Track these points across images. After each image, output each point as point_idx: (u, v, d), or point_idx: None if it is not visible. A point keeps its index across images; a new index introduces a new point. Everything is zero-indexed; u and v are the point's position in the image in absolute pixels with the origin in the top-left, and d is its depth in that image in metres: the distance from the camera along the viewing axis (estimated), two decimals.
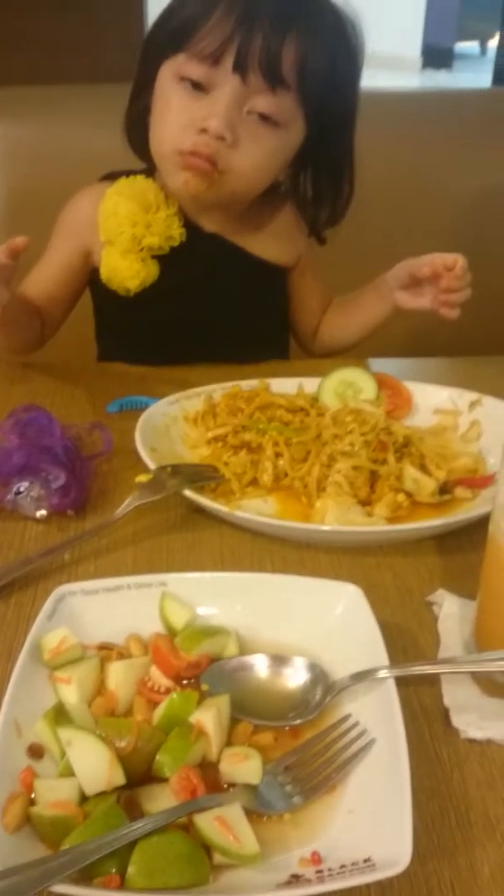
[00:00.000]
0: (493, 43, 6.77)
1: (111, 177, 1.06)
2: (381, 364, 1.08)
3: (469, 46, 8.05)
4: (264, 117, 0.96)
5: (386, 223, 1.47)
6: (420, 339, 1.26)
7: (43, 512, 0.79)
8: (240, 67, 0.92)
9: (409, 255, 1.06)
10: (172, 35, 0.96)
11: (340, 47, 0.98)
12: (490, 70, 5.36)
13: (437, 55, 7.64)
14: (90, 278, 1.11)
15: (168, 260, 1.02)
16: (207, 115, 0.94)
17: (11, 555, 0.76)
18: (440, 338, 1.22)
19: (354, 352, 1.19)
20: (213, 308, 1.09)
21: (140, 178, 0.99)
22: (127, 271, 1.01)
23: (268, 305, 1.15)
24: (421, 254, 1.03)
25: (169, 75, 0.97)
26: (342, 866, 0.49)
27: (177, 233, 1.01)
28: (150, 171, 1.05)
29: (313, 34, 0.94)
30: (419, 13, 7.61)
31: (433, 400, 0.96)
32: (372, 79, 1.11)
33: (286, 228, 1.13)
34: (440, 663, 0.65)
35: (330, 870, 0.49)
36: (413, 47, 7.70)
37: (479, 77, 7.08)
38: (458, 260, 0.99)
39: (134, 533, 0.80)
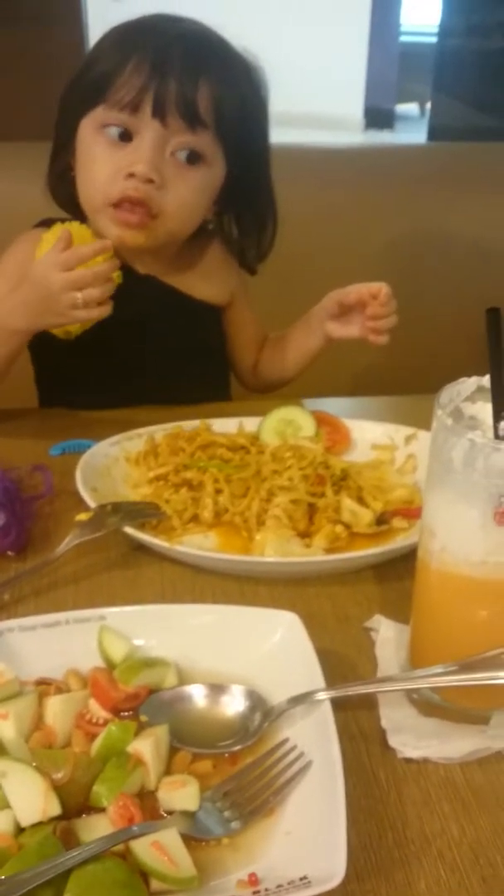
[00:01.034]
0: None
1: (46, 223, 1.08)
2: (321, 403, 1.11)
3: (408, 108, 8.33)
4: (188, 157, 1.00)
5: (327, 262, 1.53)
6: (360, 380, 1.30)
7: None
8: (159, 112, 0.96)
9: None
10: (89, 90, 1.00)
11: (249, 91, 1.04)
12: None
13: (378, 116, 7.89)
14: None
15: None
16: (133, 161, 0.97)
17: None
18: (382, 378, 1.26)
19: (298, 392, 1.21)
20: (152, 348, 1.12)
21: (75, 224, 1.02)
22: None
23: (204, 343, 1.18)
24: None
25: (90, 129, 1.00)
26: (279, 886, 0.50)
27: (114, 276, 1.03)
28: (83, 217, 1.07)
29: (224, 77, 0.99)
30: (360, 76, 7.87)
31: (370, 435, 0.99)
32: (317, 137, 1.18)
33: (216, 267, 1.16)
34: (374, 682, 0.66)
35: (267, 890, 0.50)
36: (356, 108, 7.95)
37: (418, 136, 7.32)
38: (382, 288, 1.03)
39: (74, 572, 0.80)
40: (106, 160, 0.99)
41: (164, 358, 1.12)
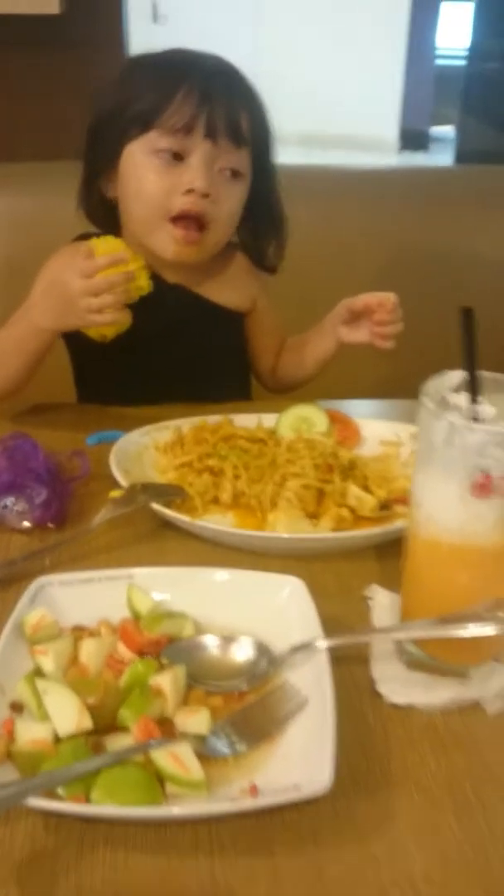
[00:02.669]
0: None
1: (84, 237, 1.19)
2: (335, 404, 1.20)
3: (444, 130, 8.44)
4: (232, 172, 1.12)
5: (352, 279, 1.62)
6: (375, 386, 1.39)
7: (27, 524, 0.89)
8: (211, 134, 1.08)
9: None
10: (136, 119, 1.10)
11: (266, 113, 1.18)
12: None
13: (413, 138, 7.99)
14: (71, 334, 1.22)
15: (138, 309, 1.14)
16: (191, 178, 1.09)
17: None
18: (402, 384, 1.34)
19: (315, 395, 1.30)
20: (180, 351, 1.22)
21: (110, 238, 1.12)
22: None
23: (228, 347, 1.28)
24: None
25: (141, 152, 1.11)
26: (275, 791, 0.59)
27: (145, 283, 1.13)
28: (118, 231, 1.18)
29: (254, 102, 1.14)
30: (396, 98, 7.98)
31: (379, 432, 1.08)
32: (354, 159, 1.29)
33: (239, 276, 1.26)
34: (364, 633, 0.75)
35: (264, 794, 0.59)
36: (391, 130, 8.06)
37: (452, 158, 7.42)
38: (389, 297, 1.13)
39: (107, 542, 0.90)
40: (160, 179, 1.10)
41: (191, 360, 1.22)
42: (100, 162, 1.16)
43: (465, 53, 4.12)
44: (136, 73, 1.14)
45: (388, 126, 8.04)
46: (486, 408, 0.65)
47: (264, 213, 1.23)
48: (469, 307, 0.65)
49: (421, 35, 7.56)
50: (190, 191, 1.09)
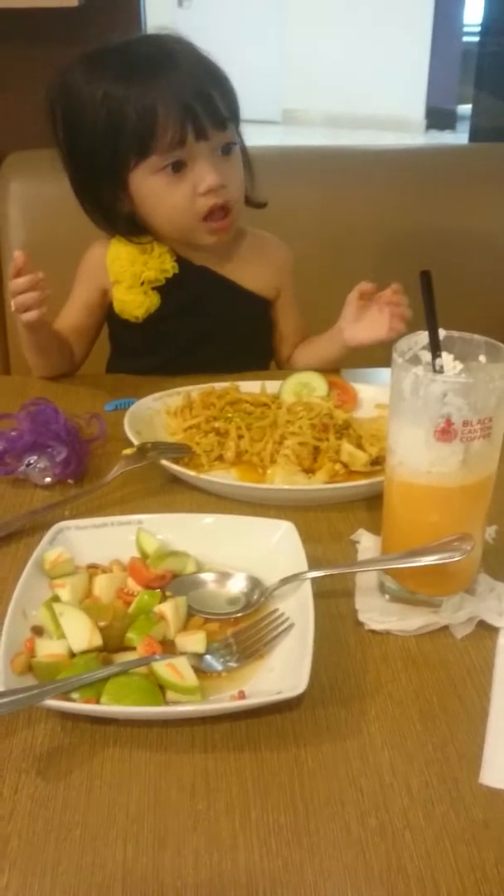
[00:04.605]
0: None
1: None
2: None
3: (470, 108, 8.41)
4: (227, 150, 1.19)
5: (366, 257, 1.69)
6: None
7: (48, 480, 0.99)
8: (202, 136, 1.15)
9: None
10: (130, 152, 1.15)
11: (213, 63, 1.20)
12: None
13: (440, 117, 7.96)
14: (107, 312, 1.33)
15: (166, 290, 1.24)
16: (204, 180, 1.16)
17: (23, 511, 0.95)
18: None
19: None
20: (204, 328, 1.30)
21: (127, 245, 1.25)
22: (133, 302, 1.24)
23: (249, 328, 1.35)
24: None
25: (147, 175, 1.17)
26: (259, 696, 0.67)
27: (169, 266, 1.23)
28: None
29: (217, 76, 1.18)
30: (422, 77, 7.96)
31: (375, 396, 1.15)
32: (380, 139, 1.32)
33: (263, 264, 1.34)
34: (343, 566, 0.83)
35: (250, 698, 0.67)
36: (418, 110, 8.05)
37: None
38: (392, 285, 1.20)
39: (121, 496, 0.99)
40: (177, 191, 1.17)
41: (215, 338, 1.31)
42: (108, 194, 1.22)
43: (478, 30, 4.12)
44: (108, 99, 1.14)
45: (415, 106, 8.03)
46: (448, 361, 0.73)
47: (246, 159, 1.28)
48: (427, 270, 0.73)
49: (447, 12, 7.51)
50: (208, 189, 1.17)
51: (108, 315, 1.33)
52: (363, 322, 1.24)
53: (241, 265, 1.33)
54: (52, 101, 1.19)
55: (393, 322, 1.21)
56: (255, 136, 1.33)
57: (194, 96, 1.13)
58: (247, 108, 1.26)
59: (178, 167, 1.16)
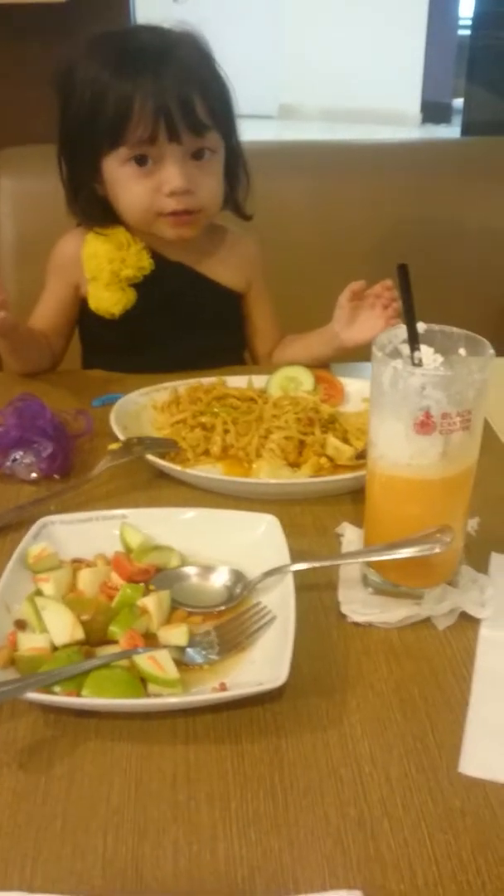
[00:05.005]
0: None
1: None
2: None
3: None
4: (203, 156, 1.18)
5: (359, 253, 1.70)
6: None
7: (34, 475, 0.99)
8: (174, 137, 1.14)
9: None
10: (104, 138, 1.16)
11: (213, 67, 1.20)
12: None
13: (435, 111, 7.95)
14: (80, 307, 1.32)
15: (141, 286, 1.24)
16: (169, 182, 1.16)
17: (9, 507, 0.96)
18: None
19: None
20: (179, 324, 1.31)
21: (100, 236, 1.24)
22: (110, 300, 1.24)
23: (224, 322, 1.36)
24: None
25: (115, 164, 1.18)
26: (240, 687, 0.68)
27: (147, 263, 1.23)
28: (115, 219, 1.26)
29: (205, 76, 1.17)
30: (417, 71, 7.94)
31: (361, 390, 1.15)
32: (375, 133, 1.31)
33: (236, 259, 1.35)
34: (325, 559, 0.84)
35: (230, 690, 0.68)
36: (413, 103, 8.03)
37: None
38: (383, 281, 1.20)
39: (107, 491, 0.99)
40: (141, 186, 1.18)
41: (190, 333, 1.31)
42: (86, 172, 1.23)
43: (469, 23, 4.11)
44: (94, 83, 1.15)
45: (410, 99, 8.01)
46: (428, 355, 0.73)
47: (235, 169, 1.28)
48: (404, 263, 0.73)
49: (442, 6, 7.49)
50: (172, 192, 1.17)
51: (80, 312, 1.33)
52: (357, 323, 1.24)
53: (215, 261, 1.34)
54: (56, 74, 1.20)
55: (388, 312, 1.21)
56: (251, 131, 1.33)
57: (174, 97, 1.13)
58: (243, 103, 1.26)
59: (143, 161, 1.16)
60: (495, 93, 3.55)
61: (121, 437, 1.01)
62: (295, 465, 1.01)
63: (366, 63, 7.63)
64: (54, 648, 0.71)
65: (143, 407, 1.11)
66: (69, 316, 1.34)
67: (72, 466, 1.02)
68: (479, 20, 3.77)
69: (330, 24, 7.54)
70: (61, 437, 1.02)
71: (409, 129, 7.82)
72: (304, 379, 1.16)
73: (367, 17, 7.44)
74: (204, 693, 0.69)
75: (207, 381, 1.16)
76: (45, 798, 0.63)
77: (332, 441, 1.02)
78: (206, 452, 1.04)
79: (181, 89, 1.13)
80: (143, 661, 0.69)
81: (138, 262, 1.24)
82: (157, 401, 1.13)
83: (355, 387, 1.17)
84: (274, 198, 1.65)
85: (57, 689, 0.67)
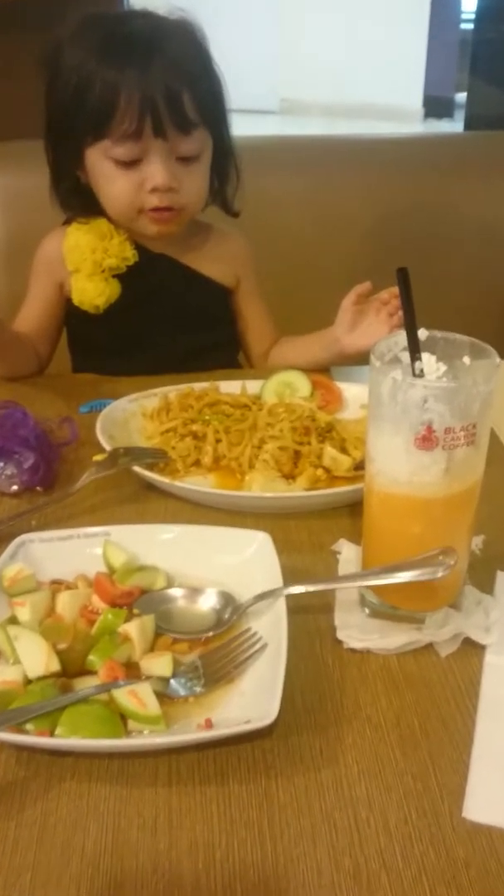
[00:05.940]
0: None
1: (68, 221, 1.24)
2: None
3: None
4: (189, 154, 1.13)
5: (358, 249, 1.65)
6: None
7: (15, 487, 0.94)
8: (160, 134, 1.09)
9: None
10: (88, 129, 1.11)
11: (205, 60, 1.15)
12: None
13: (438, 105, 7.88)
14: (66, 308, 1.27)
15: (125, 279, 1.19)
16: (151, 176, 1.11)
17: None
18: None
19: None
20: (168, 319, 1.26)
21: (83, 227, 1.20)
22: (94, 291, 1.19)
23: (212, 316, 1.31)
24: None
25: (99, 156, 1.13)
26: (227, 725, 0.63)
27: (130, 253, 1.19)
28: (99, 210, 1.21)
29: (196, 71, 1.11)
30: (420, 66, 7.87)
31: (360, 396, 1.10)
32: (377, 128, 1.26)
33: (223, 252, 1.30)
34: (321, 582, 0.79)
35: (217, 729, 0.63)
36: (415, 98, 7.97)
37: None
38: (389, 289, 1.15)
39: (92, 505, 0.94)
40: (124, 181, 1.13)
41: (178, 328, 1.26)
42: (68, 161, 1.18)
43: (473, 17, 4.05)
44: (80, 69, 1.09)
45: (413, 94, 7.95)
46: (430, 363, 0.68)
47: (225, 165, 1.23)
48: (404, 267, 0.68)
49: (444, 0, 7.43)
50: (154, 189, 1.12)
51: (66, 313, 1.28)
52: (360, 328, 1.19)
53: (199, 254, 1.29)
54: (43, 53, 1.14)
55: (393, 320, 1.16)
56: (251, 126, 1.28)
57: (162, 91, 1.07)
58: (243, 98, 1.22)
59: (127, 165, 1.12)
60: (498, 87, 3.50)
61: (107, 447, 0.96)
62: (290, 477, 0.96)
63: (368, 58, 7.57)
64: (28, 681, 0.66)
65: (132, 414, 1.06)
66: (55, 317, 1.29)
67: (55, 478, 0.97)
68: (481, 14, 3.71)
69: (331, 19, 7.47)
70: (44, 447, 0.97)
71: (412, 124, 7.76)
72: (301, 384, 1.11)
73: (369, 12, 7.38)
74: (188, 729, 0.64)
75: (199, 386, 1.11)
76: (15, 847, 0.58)
77: (329, 451, 0.97)
78: (197, 463, 0.99)
79: (171, 82, 1.08)
80: (123, 696, 0.64)
81: (121, 252, 1.19)
82: (146, 407, 1.07)
83: (354, 392, 1.12)
84: (272, 194, 1.61)
85: (29, 726, 0.62)
